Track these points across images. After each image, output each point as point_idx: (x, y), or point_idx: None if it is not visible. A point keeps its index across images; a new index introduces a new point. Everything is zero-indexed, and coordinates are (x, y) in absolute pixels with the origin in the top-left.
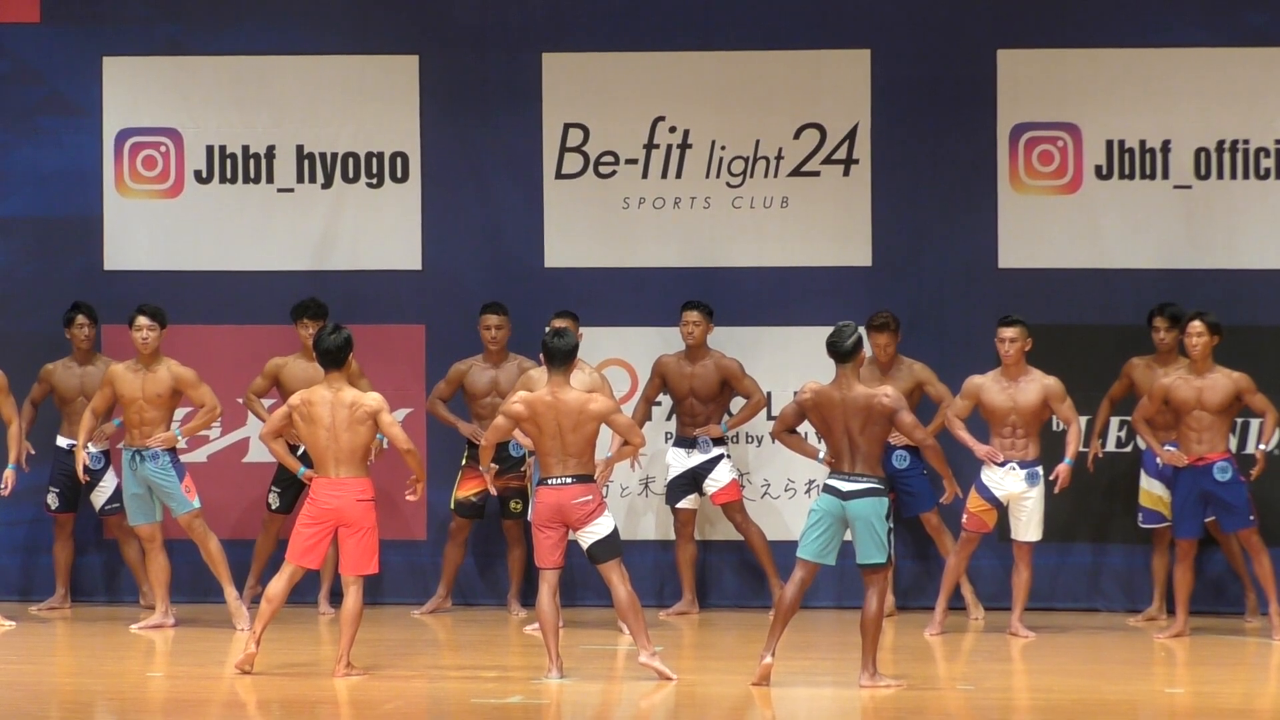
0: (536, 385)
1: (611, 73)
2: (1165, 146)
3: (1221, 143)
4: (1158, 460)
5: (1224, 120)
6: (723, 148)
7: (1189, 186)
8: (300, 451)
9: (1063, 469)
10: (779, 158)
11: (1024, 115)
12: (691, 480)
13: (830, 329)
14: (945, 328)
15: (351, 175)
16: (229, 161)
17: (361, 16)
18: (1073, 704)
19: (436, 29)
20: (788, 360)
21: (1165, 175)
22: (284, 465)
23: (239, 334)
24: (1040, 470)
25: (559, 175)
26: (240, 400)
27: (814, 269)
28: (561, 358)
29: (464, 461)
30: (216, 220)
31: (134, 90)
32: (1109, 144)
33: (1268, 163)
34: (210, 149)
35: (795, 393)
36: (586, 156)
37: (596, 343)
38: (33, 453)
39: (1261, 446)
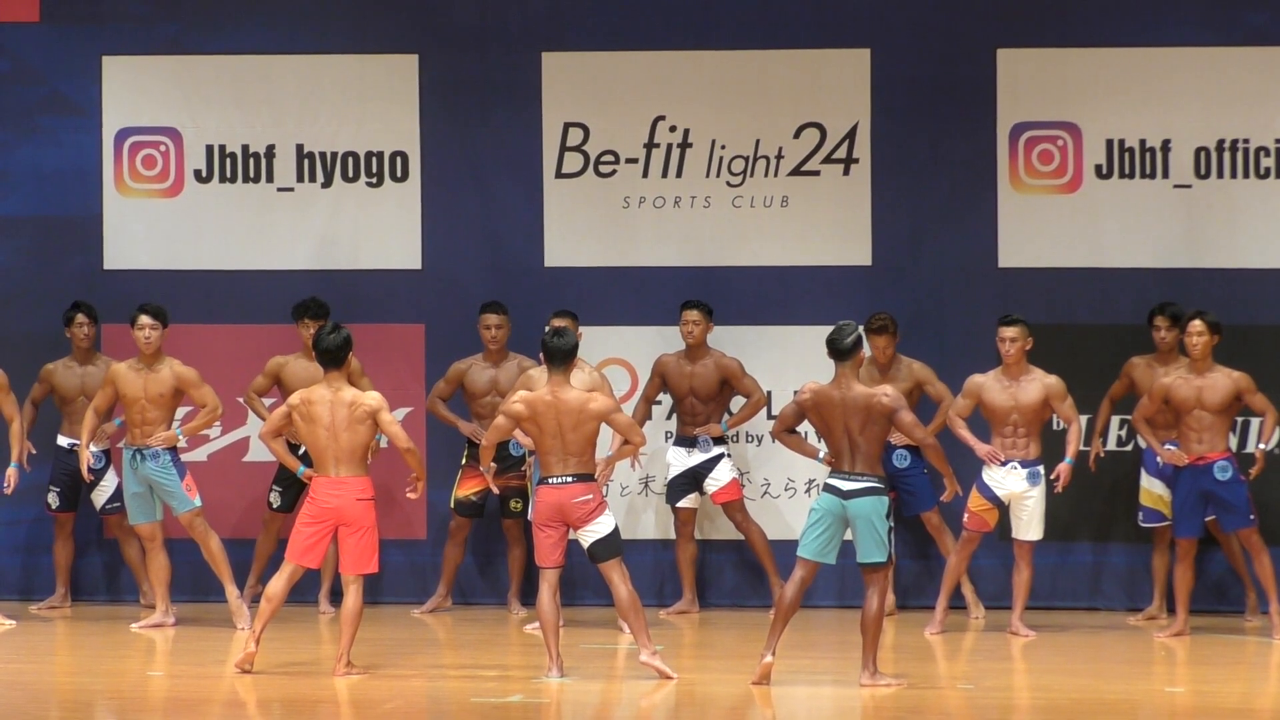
0: (536, 384)
1: (611, 72)
2: (1165, 146)
3: (1222, 142)
4: (1158, 459)
5: (1224, 120)
6: (723, 147)
7: (1189, 186)
8: (301, 450)
9: (1064, 468)
10: (779, 157)
11: (1024, 114)
12: (692, 479)
13: (830, 328)
14: (945, 327)
15: (351, 174)
16: (229, 161)
17: (361, 16)
18: (1073, 703)
19: (436, 28)
20: (787, 359)
21: (1165, 175)
22: (284, 464)
23: (238, 333)
24: (1041, 469)
25: (559, 174)
26: (240, 399)
27: (814, 268)
28: (561, 357)
29: (464, 460)
30: (216, 219)
31: (134, 89)
32: (1109, 143)
33: (1268, 162)
34: (210, 148)
35: (795, 393)
36: (586, 156)
37: (596, 342)
38: (34, 452)
39: (1261, 446)
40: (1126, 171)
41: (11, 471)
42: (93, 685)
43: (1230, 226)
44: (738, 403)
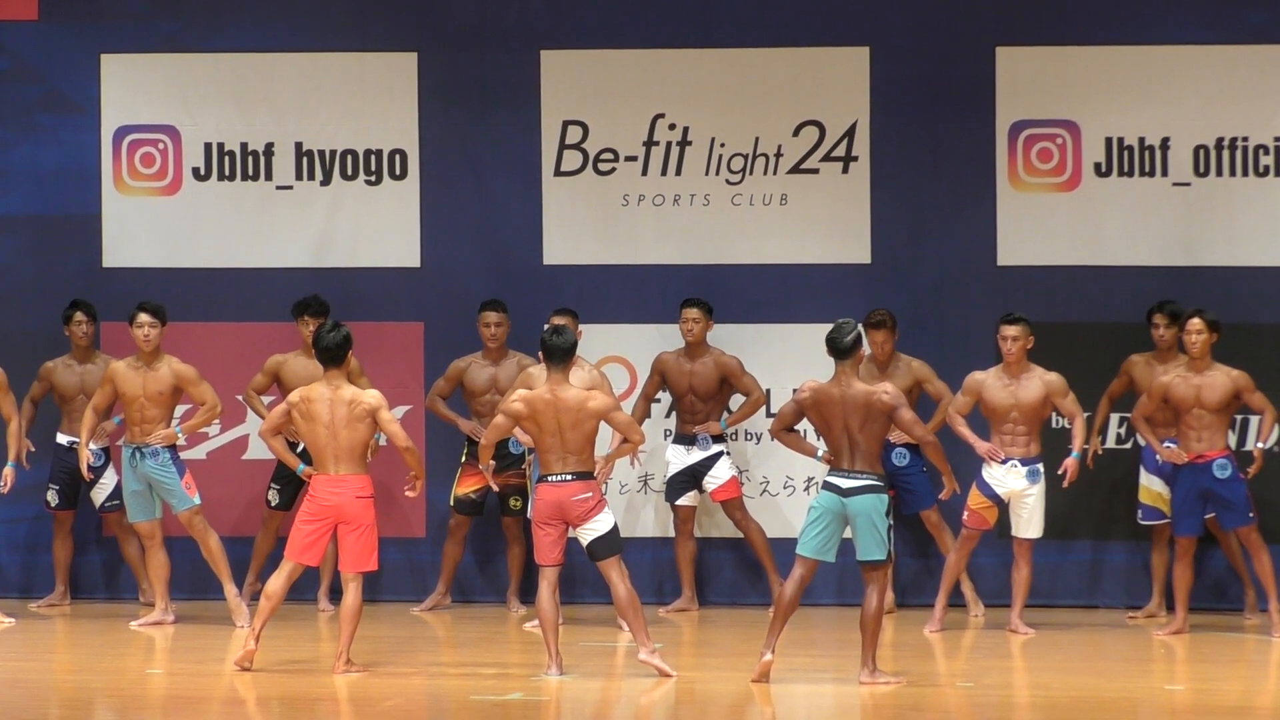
0: (536, 382)
1: (610, 70)
2: (1164, 144)
3: (1220, 140)
4: (1157, 457)
5: (1223, 118)
6: (722, 145)
7: (1188, 184)
8: (300, 448)
9: (1070, 462)
10: (778, 155)
11: (1023, 112)
12: (691, 477)
13: (829, 326)
14: (944, 325)
15: (350, 172)
16: (227, 159)
17: (360, 13)
18: (1072, 701)
19: (435, 26)
20: (787, 357)
21: (1164, 173)
22: (283, 462)
23: (237, 331)
24: (1041, 467)
25: (558, 172)
26: (240, 397)
27: (813, 266)
28: (560, 355)
29: (463, 458)
30: (215, 218)
31: (132, 87)
32: (1108, 141)
33: (1267, 160)
34: (209, 146)
35: (794, 391)
36: (585, 154)
37: (596, 340)
38: (33, 450)
39: (1260, 444)
40: (1125, 170)
41: (9, 471)
42: (92, 683)
43: (1229, 225)
44: (737, 401)
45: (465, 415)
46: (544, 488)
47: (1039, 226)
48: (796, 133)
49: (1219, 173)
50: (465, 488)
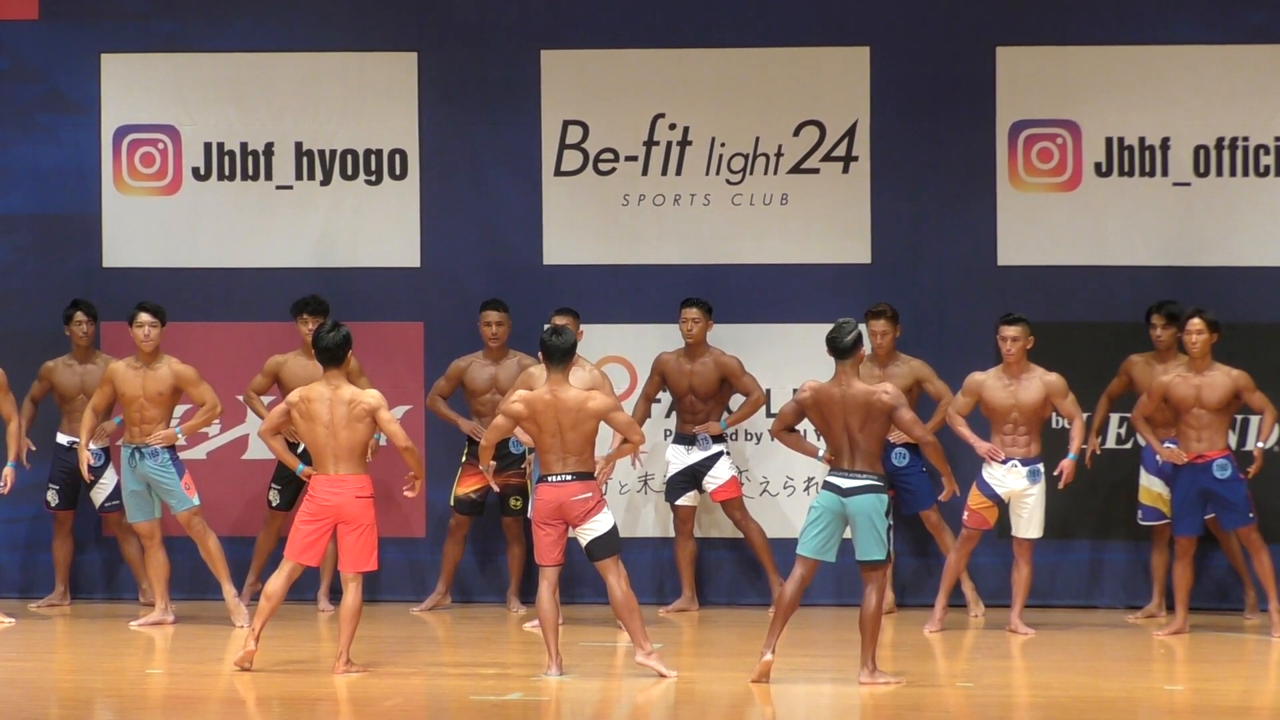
0: (537, 382)
1: (611, 70)
2: (1164, 144)
3: (1221, 140)
4: (1157, 457)
5: (1223, 118)
6: (722, 145)
7: (1188, 184)
8: (300, 449)
9: (1067, 464)
10: (778, 155)
11: (1023, 112)
12: (691, 477)
13: (829, 326)
14: (944, 325)
15: (350, 172)
16: (227, 158)
17: (360, 13)
18: (1072, 701)
19: (435, 26)
20: (787, 357)
21: (1164, 172)
22: (283, 462)
23: (237, 331)
24: (1041, 467)
25: (558, 172)
26: (240, 397)
27: (813, 266)
28: (560, 355)
29: (463, 458)
30: (215, 217)
31: (132, 87)
32: (1108, 141)
33: (1267, 160)
34: (208, 146)
35: (794, 390)
36: (586, 153)
37: (596, 340)
38: (33, 449)
39: (1260, 444)
40: (1126, 169)
41: (9, 471)
42: (92, 683)
43: (1229, 224)
44: (737, 400)
45: (466, 415)
46: (544, 488)
47: (1039, 226)
48: (797, 132)
49: (1219, 173)
50: (465, 487)
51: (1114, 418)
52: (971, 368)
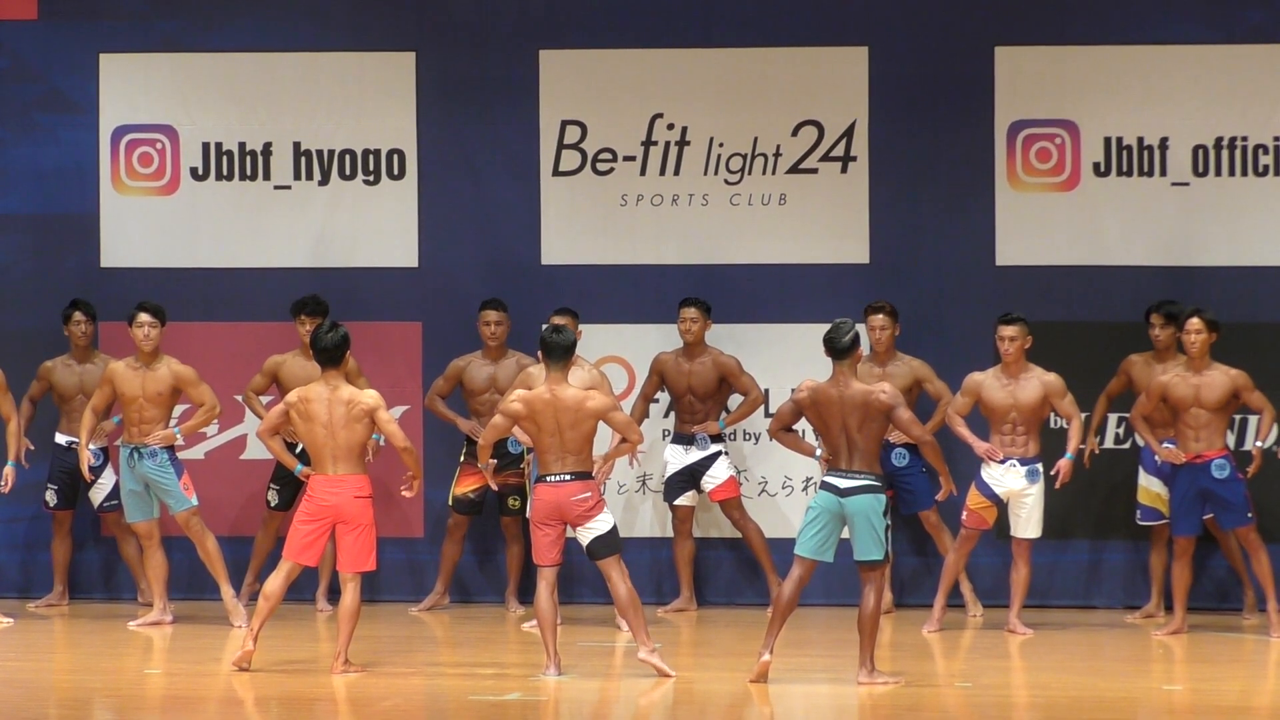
0: (535, 382)
1: (609, 69)
2: (1163, 143)
3: (1220, 140)
4: (1156, 457)
5: (1222, 117)
6: (721, 145)
7: (1187, 184)
8: (299, 449)
9: (1064, 464)
10: (777, 155)
11: (1022, 112)
12: (689, 477)
13: (828, 326)
14: (943, 325)
15: (348, 172)
16: (225, 158)
17: (358, 13)
18: (1071, 701)
19: (433, 25)
20: (785, 357)
21: (1163, 172)
22: (282, 462)
23: (235, 331)
24: (1040, 467)
25: (556, 172)
26: (238, 398)
27: (812, 266)
28: (559, 355)
29: (462, 458)
30: (213, 217)
31: (130, 87)
32: (1107, 141)
33: (1266, 160)
34: (206, 146)
35: (792, 390)
36: (584, 153)
37: (595, 340)
38: (32, 449)
39: (1259, 444)
40: (1124, 169)
41: (8, 470)
42: (90, 683)
43: (1228, 224)
44: (735, 400)
45: (464, 415)
46: (542, 488)
47: (1038, 226)
48: (795, 132)
49: (1218, 172)
50: (464, 487)
51: (1112, 418)
52: (970, 368)
